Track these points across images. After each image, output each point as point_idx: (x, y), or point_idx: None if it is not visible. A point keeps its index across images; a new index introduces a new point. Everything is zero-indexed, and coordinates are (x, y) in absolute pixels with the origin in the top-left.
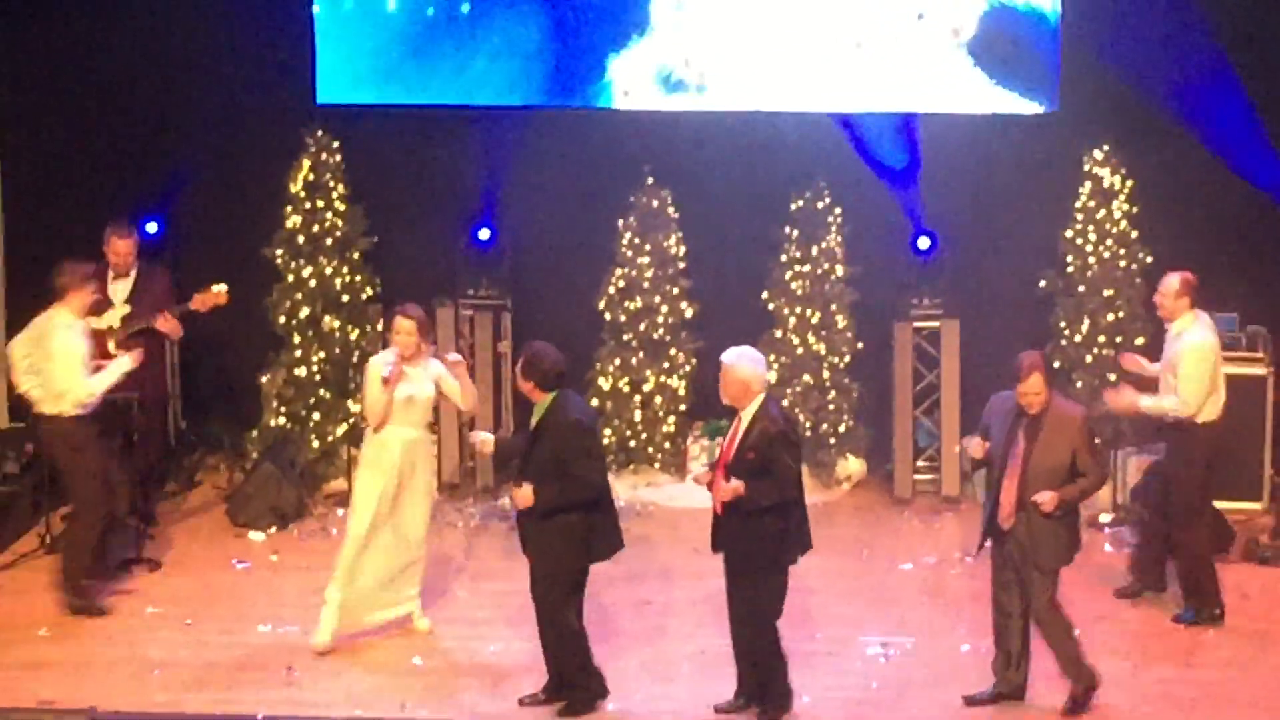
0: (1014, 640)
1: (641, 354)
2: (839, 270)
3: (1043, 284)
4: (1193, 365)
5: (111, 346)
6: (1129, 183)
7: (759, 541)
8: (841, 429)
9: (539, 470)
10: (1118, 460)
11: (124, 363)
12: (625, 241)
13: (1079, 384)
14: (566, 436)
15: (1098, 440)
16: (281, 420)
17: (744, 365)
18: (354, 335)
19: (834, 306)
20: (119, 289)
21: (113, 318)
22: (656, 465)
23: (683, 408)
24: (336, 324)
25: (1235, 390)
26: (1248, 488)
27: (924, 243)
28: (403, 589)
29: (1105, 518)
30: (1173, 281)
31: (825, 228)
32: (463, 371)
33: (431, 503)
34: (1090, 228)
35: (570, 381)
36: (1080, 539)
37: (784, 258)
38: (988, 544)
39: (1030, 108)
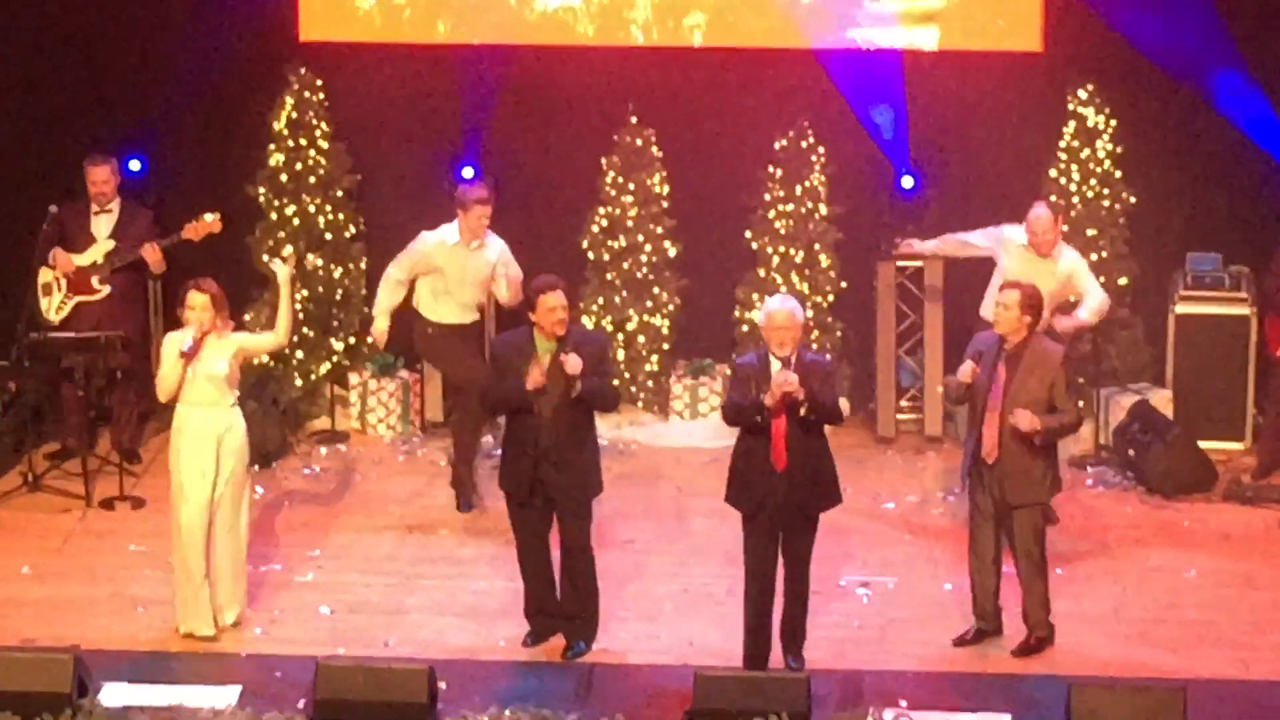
0: (988, 578)
1: (625, 293)
2: (822, 209)
3: None
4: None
5: (95, 282)
6: (1113, 122)
7: (829, 480)
8: None
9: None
10: (1100, 399)
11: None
12: (609, 180)
13: None
14: (604, 348)
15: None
16: (264, 358)
17: (799, 308)
18: (337, 273)
19: (817, 246)
20: (102, 224)
21: (96, 253)
22: (640, 404)
23: (666, 347)
24: (320, 262)
25: (1219, 330)
26: (1231, 427)
27: (908, 182)
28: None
29: None
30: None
31: (809, 167)
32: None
33: (245, 485)
34: (1074, 167)
35: None
36: (1060, 478)
37: (767, 197)
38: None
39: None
